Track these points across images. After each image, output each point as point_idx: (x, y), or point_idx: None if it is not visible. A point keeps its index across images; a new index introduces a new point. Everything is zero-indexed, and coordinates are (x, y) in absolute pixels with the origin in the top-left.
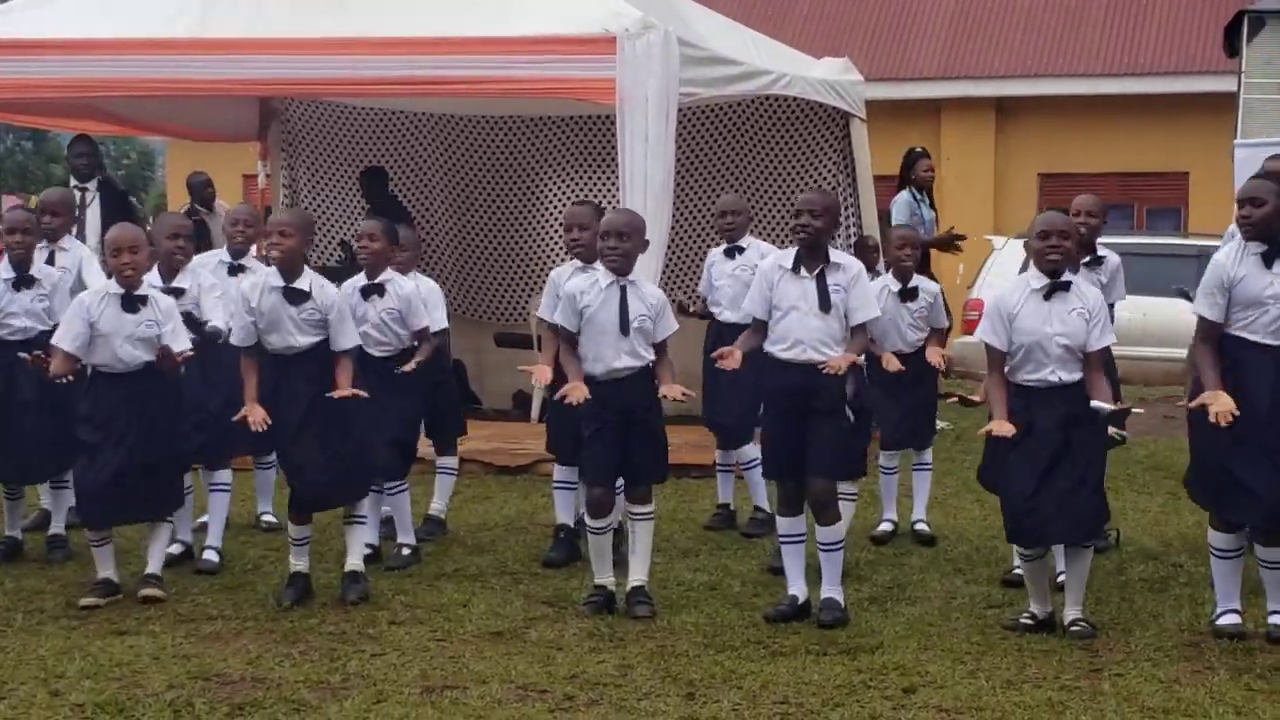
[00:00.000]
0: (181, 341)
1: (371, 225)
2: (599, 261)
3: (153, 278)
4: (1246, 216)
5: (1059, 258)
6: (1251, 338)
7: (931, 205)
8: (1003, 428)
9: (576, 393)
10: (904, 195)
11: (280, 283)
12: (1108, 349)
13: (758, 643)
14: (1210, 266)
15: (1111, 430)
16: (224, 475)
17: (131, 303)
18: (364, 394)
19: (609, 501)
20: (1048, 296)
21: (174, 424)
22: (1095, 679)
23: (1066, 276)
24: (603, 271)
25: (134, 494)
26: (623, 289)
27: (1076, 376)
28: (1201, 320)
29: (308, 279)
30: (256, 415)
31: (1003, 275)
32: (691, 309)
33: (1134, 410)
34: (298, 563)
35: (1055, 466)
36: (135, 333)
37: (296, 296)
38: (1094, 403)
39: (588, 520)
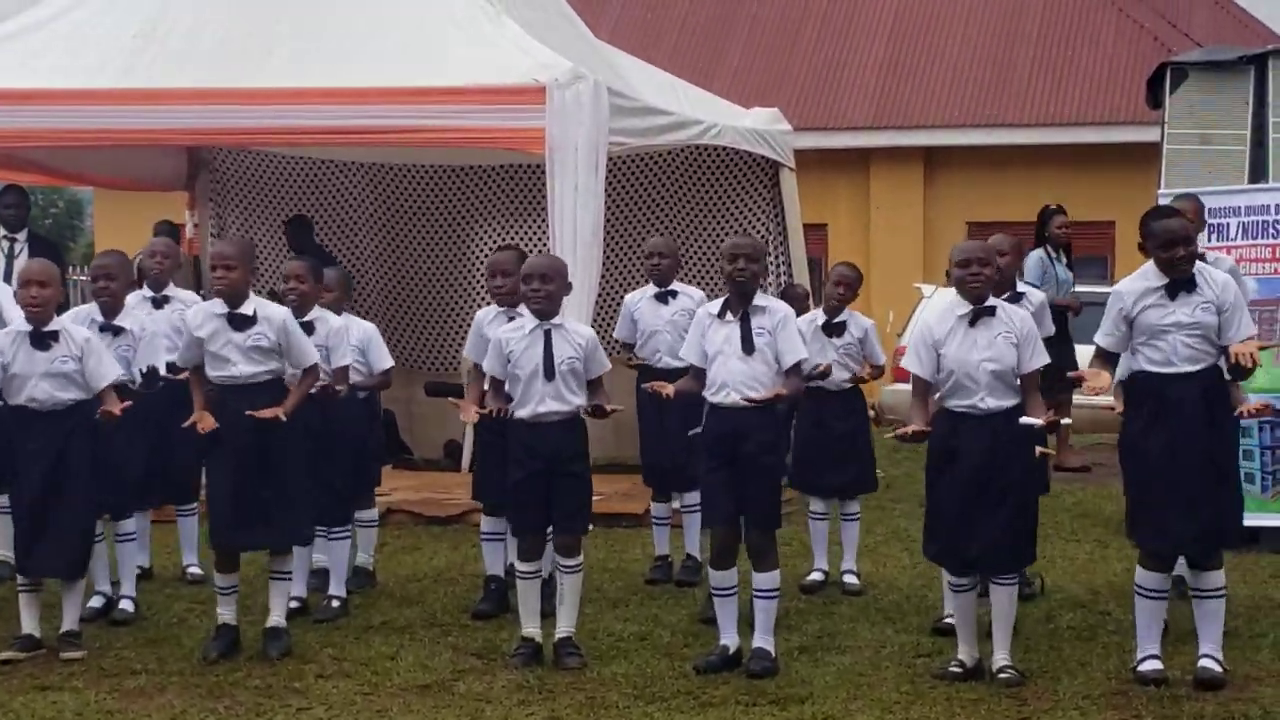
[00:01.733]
0: (106, 373)
1: (297, 266)
2: (522, 305)
3: (93, 312)
4: (1184, 256)
5: (979, 284)
6: (1169, 371)
7: (1069, 265)
8: (915, 427)
9: (502, 410)
10: (1037, 253)
11: (224, 310)
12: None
13: (688, 693)
14: (1112, 295)
15: (1039, 449)
16: (128, 525)
17: (41, 339)
18: (281, 415)
19: (539, 546)
20: (973, 323)
21: (91, 475)
22: None
23: (991, 302)
24: (527, 315)
25: (42, 547)
26: (547, 332)
27: (1005, 403)
28: (1098, 349)
29: (251, 305)
30: (207, 423)
31: None
32: (630, 361)
33: (1063, 422)
34: (225, 613)
35: (983, 494)
36: (50, 369)
37: (241, 322)
38: (1023, 419)
39: (518, 565)
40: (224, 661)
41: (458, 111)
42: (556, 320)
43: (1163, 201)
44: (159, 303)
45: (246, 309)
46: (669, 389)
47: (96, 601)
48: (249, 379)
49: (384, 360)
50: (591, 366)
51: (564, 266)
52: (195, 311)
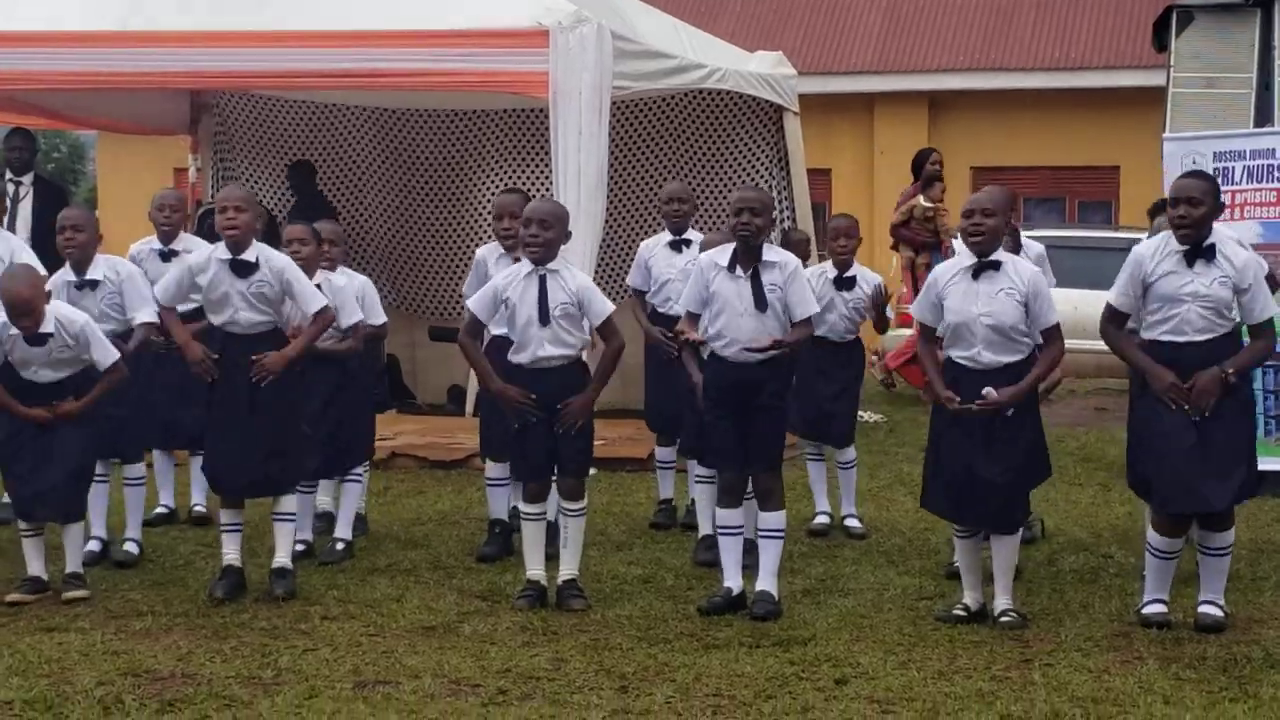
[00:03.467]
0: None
1: (298, 230)
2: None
3: (65, 272)
4: (1184, 216)
5: (981, 236)
6: (1181, 339)
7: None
8: (946, 396)
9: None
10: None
11: (227, 255)
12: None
13: (691, 635)
14: (1130, 257)
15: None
16: (137, 469)
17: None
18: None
19: (543, 490)
20: (976, 276)
21: (85, 418)
22: (1026, 669)
23: (999, 256)
24: (525, 260)
25: (37, 490)
26: (542, 278)
27: (1004, 359)
28: (1110, 309)
29: (254, 251)
30: (195, 352)
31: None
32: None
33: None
34: (229, 553)
35: (984, 450)
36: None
37: (244, 269)
38: (985, 389)
39: (522, 507)
40: (230, 603)
41: (460, 55)
42: (553, 266)
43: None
44: (167, 256)
45: (249, 255)
46: (697, 335)
47: (93, 545)
48: (249, 328)
49: (377, 316)
50: (592, 311)
51: (565, 213)
52: (199, 254)
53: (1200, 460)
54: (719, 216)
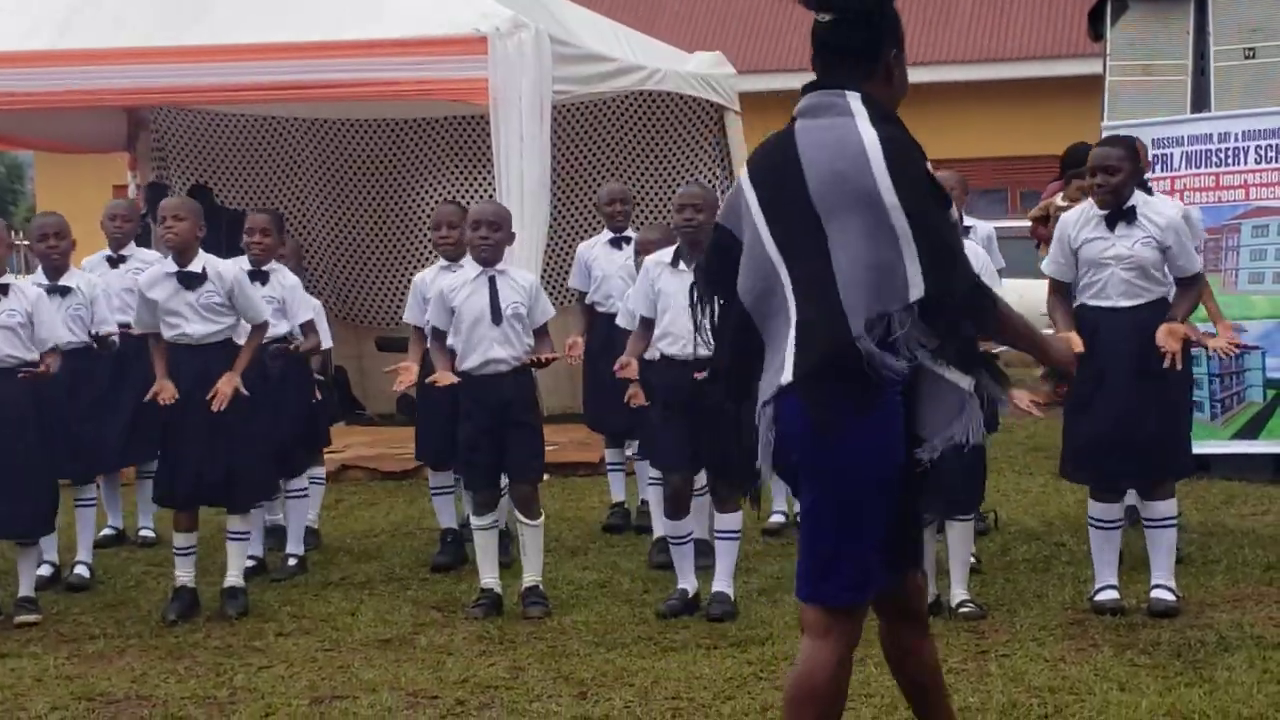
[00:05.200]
0: (53, 333)
1: (261, 220)
2: (467, 254)
3: (37, 277)
4: (1101, 185)
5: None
6: (1106, 304)
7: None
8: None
9: (444, 379)
10: None
11: (174, 268)
12: None
13: (648, 639)
14: (1057, 227)
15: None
16: (89, 490)
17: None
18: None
19: (493, 500)
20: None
21: (41, 436)
22: (982, 660)
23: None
24: (470, 263)
25: (4, 507)
26: (491, 279)
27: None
28: (1049, 280)
29: (201, 261)
30: (167, 392)
31: None
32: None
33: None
34: (182, 575)
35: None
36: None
37: (192, 280)
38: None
39: (473, 520)
40: (183, 623)
41: (399, 64)
42: (500, 267)
43: (1105, 134)
44: (115, 262)
45: (196, 266)
46: (632, 373)
47: (44, 570)
48: (201, 339)
49: (325, 339)
50: (535, 313)
51: (509, 215)
52: (147, 275)
53: (1117, 432)
54: (662, 218)
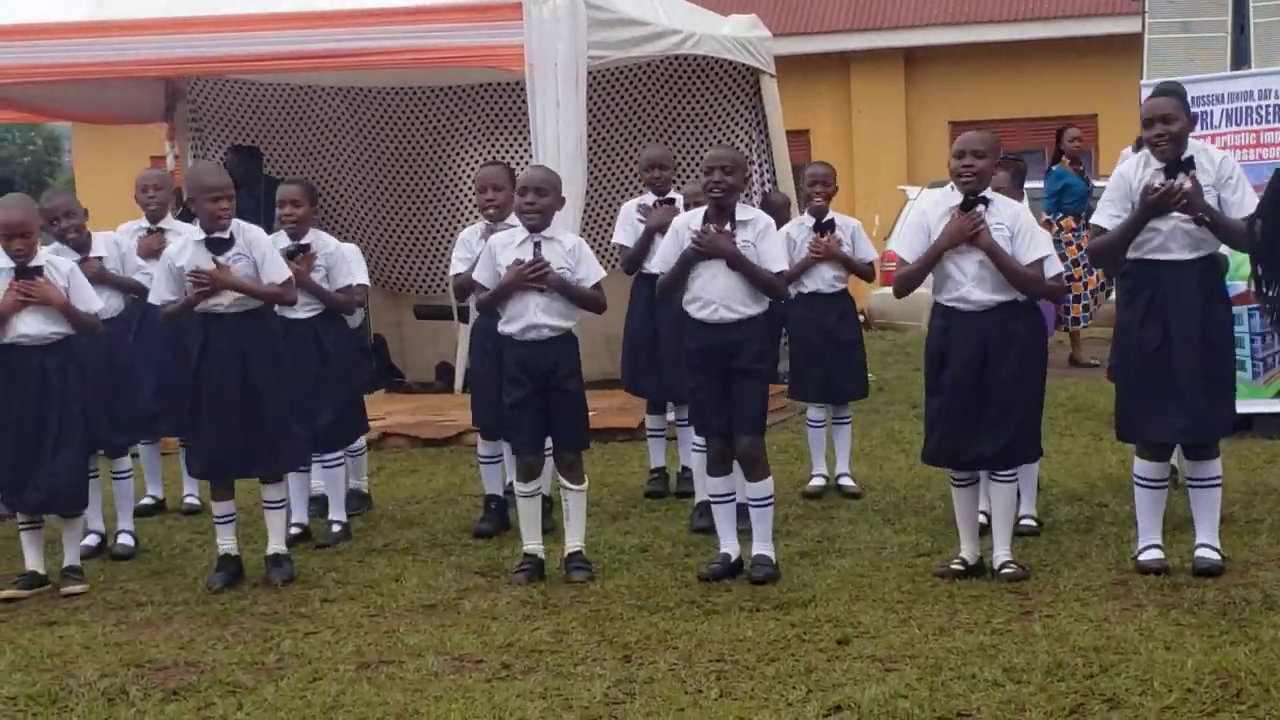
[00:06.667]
0: (90, 304)
1: (292, 190)
2: (513, 217)
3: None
4: (1161, 135)
5: (973, 177)
6: (1166, 257)
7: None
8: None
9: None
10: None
11: (202, 235)
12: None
13: (691, 602)
14: (1114, 178)
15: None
16: (124, 462)
17: (28, 274)
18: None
19: (538, 466)
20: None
21: (81, 408)
22: (1026, 621)
23: (987, 194)
24: (519, 227)
25: (37, 484)
26: (537, 245)
27: (996, 298)
28: (1096, 229)
29: (229, 227)
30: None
31: None
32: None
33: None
34: (225, 544)
35: (979, 391)
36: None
37: (219, 246)
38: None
39: (517, 485)
40: (228, 591)
41: (434, 31)
42: (547, 233)
43: (1145, 93)
44: (152, 234)
45: (223, 231)
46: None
47: (91, 540)
48: (232, 307)
49: (361, 277)
50: (583, 271)
51: (559, 180)
52: (175, 244)
53: (1170, 391)
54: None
